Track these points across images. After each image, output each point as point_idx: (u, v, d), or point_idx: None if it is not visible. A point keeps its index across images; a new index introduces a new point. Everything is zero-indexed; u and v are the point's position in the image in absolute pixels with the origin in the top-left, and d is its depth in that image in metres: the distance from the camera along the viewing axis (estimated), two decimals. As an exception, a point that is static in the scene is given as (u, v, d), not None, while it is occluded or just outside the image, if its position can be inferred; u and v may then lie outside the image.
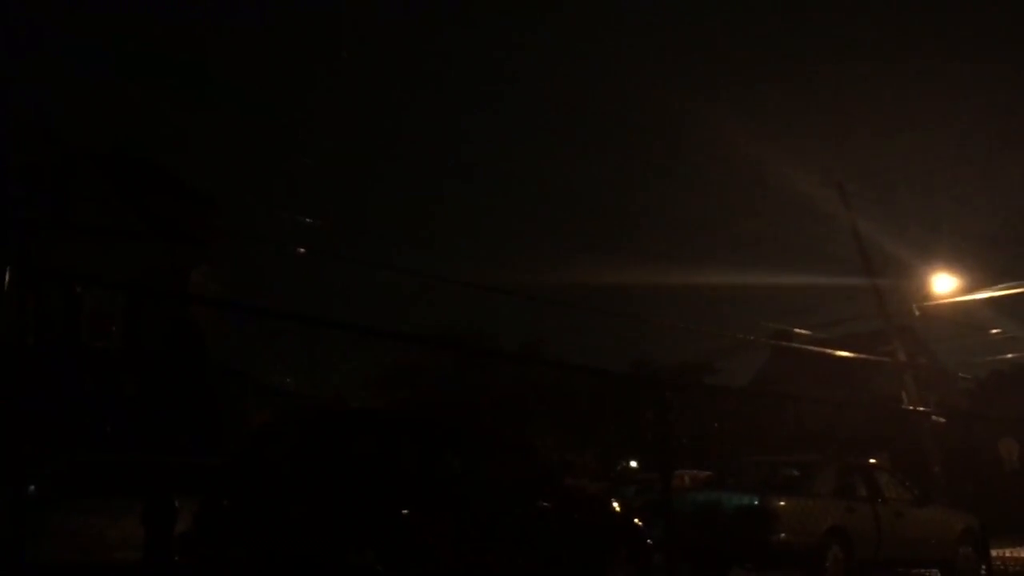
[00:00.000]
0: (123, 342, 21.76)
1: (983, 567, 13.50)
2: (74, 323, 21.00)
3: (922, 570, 15.07)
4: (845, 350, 20.62)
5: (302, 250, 16.77)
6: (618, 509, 12.89)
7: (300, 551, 9.49)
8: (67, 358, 18.73)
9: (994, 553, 13.75)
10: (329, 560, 9.51)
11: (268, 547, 9.61)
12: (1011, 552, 16.05)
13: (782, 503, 13.47)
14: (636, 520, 12.69)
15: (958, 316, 23.34)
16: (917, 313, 21.66)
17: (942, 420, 21.39)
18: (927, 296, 21.84)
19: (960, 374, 30.85)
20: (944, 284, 21.93)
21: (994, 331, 25.92)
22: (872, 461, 17.14)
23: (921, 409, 19.99)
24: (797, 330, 21.29)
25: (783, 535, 13.14)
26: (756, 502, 13.63)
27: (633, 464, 24.58)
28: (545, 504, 11.15)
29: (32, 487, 11.92)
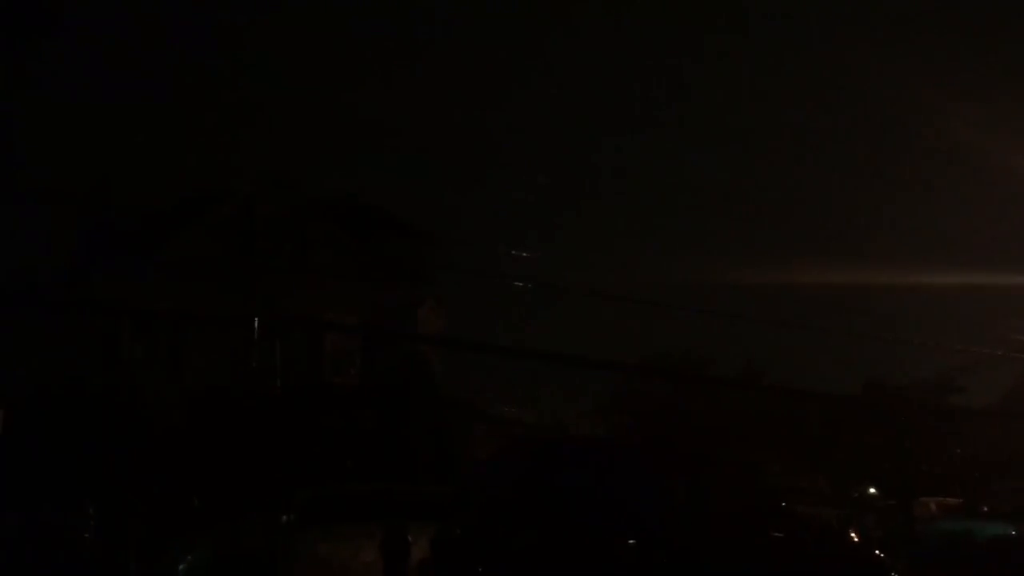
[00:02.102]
0: (360, 379, 23.20)
1: None
2: (317, 363, 22.64)
3: None
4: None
5: (518, 283, 17.30)
6: (856, 539, 12.27)
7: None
8: (312, 396, 20.19)
9: None
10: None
11: (500, 574, 9.90)
12: None
13: (1044, 533, 12.42)
14: (877, 551, 12.03)
15: None
16: None
17: None
18: None
19: None
20: None
21: None
22: None
23: None
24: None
25: (1047, 569, 12.09)
26: (1014, 532, 12.69)
27: (872, 491, 23.21)
28: (777, 534, 10.79)
29: (285, 517, 12.90)
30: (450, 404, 23.21)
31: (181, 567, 12.57)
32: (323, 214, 25.29)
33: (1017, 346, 21.47)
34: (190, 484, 18.09)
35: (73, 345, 22.65)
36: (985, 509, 14.43)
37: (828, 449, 23.94)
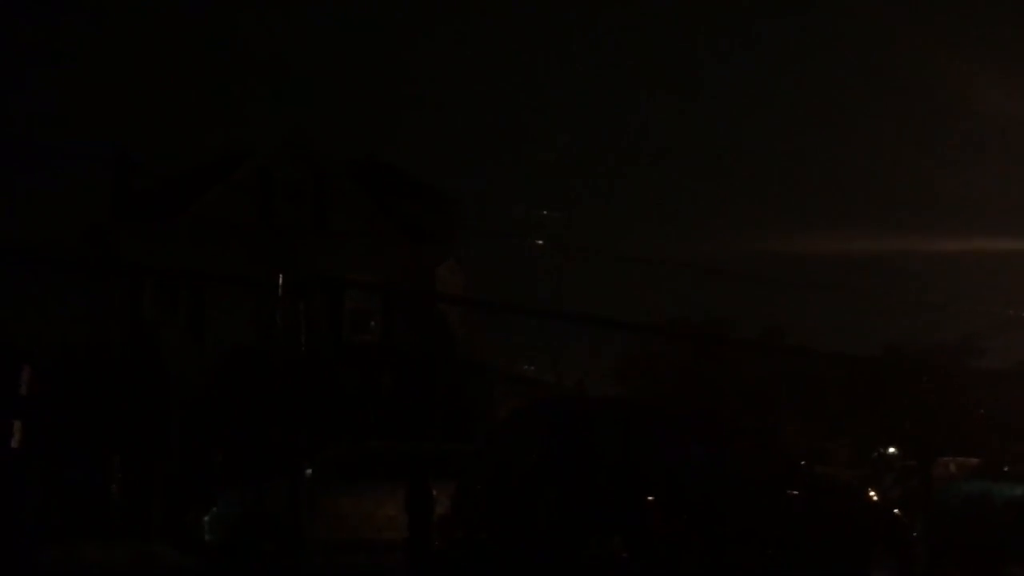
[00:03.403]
0: (380, 338, 23.33)
1: None
2: (337, 322, 22.77)
3: None
4: None
5: (540, 242, 17.30)
6: (875, 499, 12.31)
7: (549, 535, 9.82)
8: (332, 355, 20.33)
9: None
10: (577, 544, 9.78)
11: (519, 531, 10.03)
12: None
13: (1064, 494, 12.40)
14: (895, 510, 12.06)
15: None
16: None
17: None
18: None
19: None
20: None
21: None
22: None
23: None
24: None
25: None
26: (1033, 492, 12.67)
27: (892, 451, 23.24)
28: (793, 493, 10.85)
29: (309, 472, 13.09)
30: (469, 363, 23.34)
31: (205, 519, 12.79)
32: (344, 175, 25.29)
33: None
34: (214, 441, 18.35)
35: (98, 305, 22.91)
36: (1005, 470, 14.36)
37: (849, 410, 23.97)
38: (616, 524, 9.88)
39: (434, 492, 11.41)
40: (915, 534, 11.75)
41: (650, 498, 10.01)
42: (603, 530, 9.83)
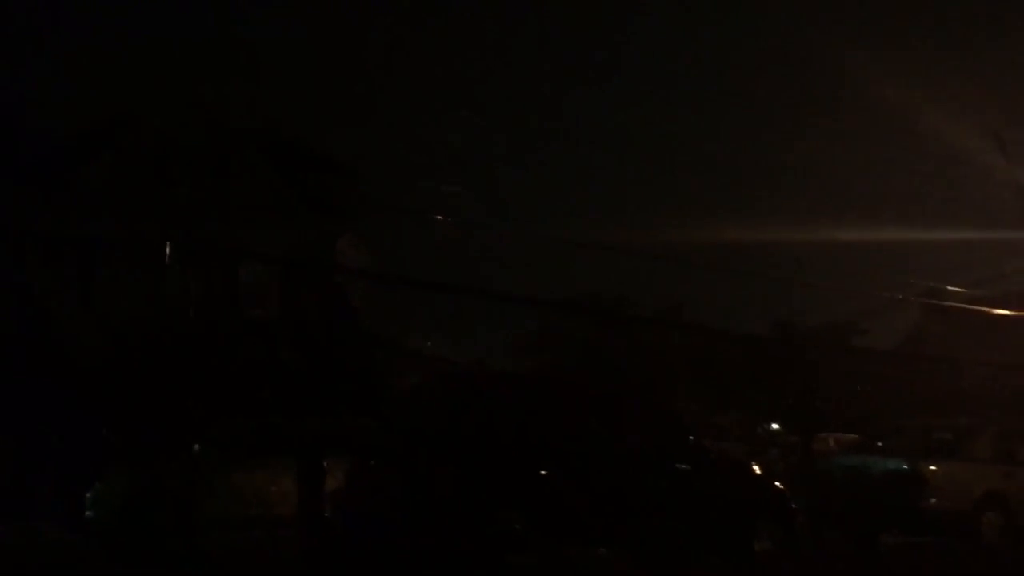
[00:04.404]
0: (279, 312, 22.91)
1: None
2: (233, 296, 22.25)
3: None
4: (1005, 308, 19.62)
5: (439, 217, 17.26)
6: (759, 473, 12.80)
7: (444, 509, 9.91)
8: (229, 329, 19.93)
9: None
10: (472, 519, 9.89)
11: (414, 505, 10.08)
12: None
13: (933, 468, 13.20)
14: (777, 483, 12.58)
15: None
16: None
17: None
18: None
19: None
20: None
21: None
22: None
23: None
24: (950, 288, 20.28)
25: (933, 500, 12.90)
26: (906, 467, 13.41)
27: (775, 427, 24.25)
28: (684, 467, 11.21)
29: (200, 448, 12.85)
30: (369, 338, 23.19)
31: (88, 495, 12.45)
32: (243, 145, 24.67)
33: (917, 292, 22.37)
34: (102, 416, 17.82)
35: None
36: (879, 445, 15.15)
37: (739, 387, 24.78)
38: (513, 498, 10.02)
39: (326, 466, 11.37)
40: (796, 505, 12.28)
41: (545, 471, 10.19)
42: (501, 504, 9.96)
